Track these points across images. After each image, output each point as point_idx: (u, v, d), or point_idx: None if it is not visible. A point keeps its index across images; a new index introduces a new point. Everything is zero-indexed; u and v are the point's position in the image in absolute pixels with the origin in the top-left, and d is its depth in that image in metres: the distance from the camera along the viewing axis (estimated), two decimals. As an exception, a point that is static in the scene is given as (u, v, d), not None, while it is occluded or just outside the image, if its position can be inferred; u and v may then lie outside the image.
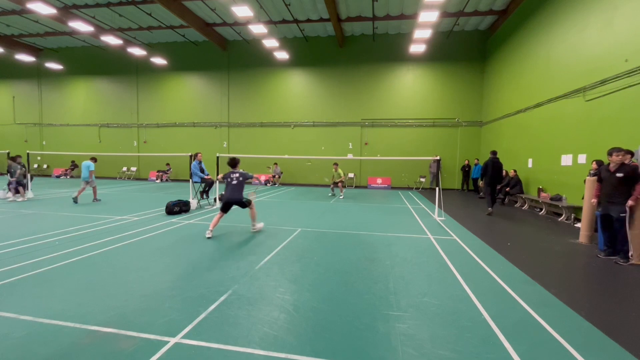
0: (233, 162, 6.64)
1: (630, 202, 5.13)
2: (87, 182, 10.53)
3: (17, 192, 10.66)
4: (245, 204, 6.58)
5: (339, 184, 13.44)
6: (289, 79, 19.26)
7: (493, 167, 9.64)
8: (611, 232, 5.43)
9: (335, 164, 13.57)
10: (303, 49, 18.77)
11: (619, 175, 5.25)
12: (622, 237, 5.28)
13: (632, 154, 5.83)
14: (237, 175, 6.50)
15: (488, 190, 9.79)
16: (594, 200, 5.81)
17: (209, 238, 6.09)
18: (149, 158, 21.10)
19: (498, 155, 9.97)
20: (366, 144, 18.61)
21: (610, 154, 5.44)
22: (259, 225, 6.87)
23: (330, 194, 14.24)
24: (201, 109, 20.34)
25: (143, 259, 4.89)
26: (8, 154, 12.78)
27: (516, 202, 12.11)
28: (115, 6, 15.40)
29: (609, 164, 5.57)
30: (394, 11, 15.37)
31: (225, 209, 6.41)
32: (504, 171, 12.31)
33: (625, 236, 5.23)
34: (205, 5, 15.36)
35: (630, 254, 5.21)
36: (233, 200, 6.44)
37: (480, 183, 10.89)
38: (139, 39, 19.70)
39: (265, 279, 4.17)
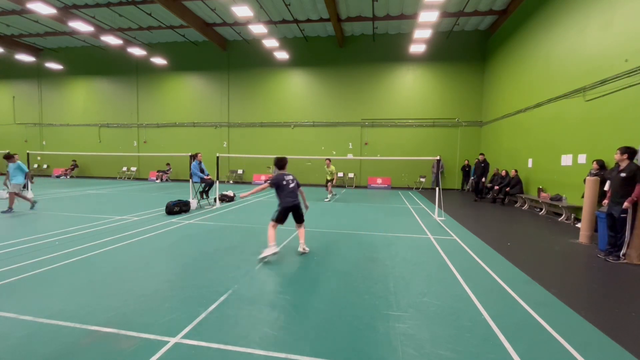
0: (282, 163, 5.26)
1: (625, 204, 5.11)
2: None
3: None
4: (302, 216, 5.33)
5: (329, 184, 12.34)
6: (289, 79, 19.25)
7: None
8: (614, 231, 5.39)
9: (328, 159, 12.43)
10: (303, 49, 18.76)
11: (622, 175, 5.23)
12: (622, 236, 5.28)
13: (635, 152, 5.75)
14: (292, 178, 5.24)
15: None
16: (606, 201, 5.74)
17: (275, 253, 5.00)
18: (149, 158, 21.09)
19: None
20: (366, 144, 18.60)
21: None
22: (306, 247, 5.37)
23: (328, 197, 12.58)
24: (201, 109, 20.33)
25: (143, 259, 4.89)
26: (7, 153, 12.73)
27: (516, 202, 12.11)
28: (115, 6, 15.39)
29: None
30: (394, 11, 15.36)
31: (283, 217, 5.13)
32: (503, 171, 12.51)
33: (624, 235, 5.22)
34: (205, 5, 15.35)
35: (622, 254, 5.23)
36: (295, 205, 5.17)
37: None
38: (139, 39, 19.70)
39: (265, 279, 4.17)
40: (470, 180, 13.48)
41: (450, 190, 17.57)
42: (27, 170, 8.84)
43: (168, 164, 20.56)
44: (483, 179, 13.19)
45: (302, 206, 5.34)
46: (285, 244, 5.83)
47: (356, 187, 18.49)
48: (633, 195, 5.07)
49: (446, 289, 3.92)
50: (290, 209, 5.15)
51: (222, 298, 3.53)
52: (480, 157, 13.42)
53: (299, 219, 5.33)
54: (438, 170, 9.79)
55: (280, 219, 5.10)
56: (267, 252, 4.85)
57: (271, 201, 11.78)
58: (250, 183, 19.61)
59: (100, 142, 21.79)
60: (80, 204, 10.19)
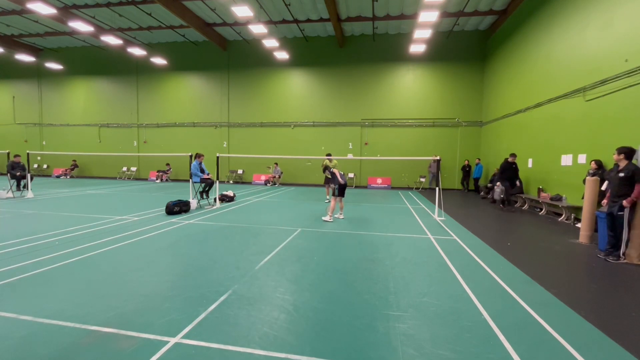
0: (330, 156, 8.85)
1: (624, 203, 5.12)
2: None
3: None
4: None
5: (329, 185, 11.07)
6: (289, 79, 19.26)
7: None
8: (614, 231, 5.40)
9: (329, 154, 11.15)
10: (303, 49, 18.77)
11: (621, 175, 5.27)
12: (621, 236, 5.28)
13: (633, 152, 5.74)
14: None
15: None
16: (605, 201, 5.76)
17: (331, 221, 7.88)
18: (149, 158, 21.09)
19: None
20: (366, 144, 18.60)
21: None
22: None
23: (327, 200, 11.60)
24: (201, 109, 20.34)
25: (143, 259, 4.89)
26: (8, 154, 12.77)
27: (516, 202, 12.11)
28: (115, 6, 15.40)
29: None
30: (394, 11, 15.36)
31: (342, 192, 8.09)
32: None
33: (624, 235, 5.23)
34: (205, 5, 15.36)
35: (622, 253, 5.24)
36: (346, 183, 8.24)
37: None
38: (139, 39, 19.70)
39: (265, 279, 4.17)
40: (497, 187, 11.21)
41: (450, 190, 17.57)
42: None
43: (168, 164, 20.56)
44: (517, 183, 11.17)
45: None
46: (285, 245, 5.83)
47: (356, 187, 18.49)
48: (633, 196, 5.07)
49: (446, 289, 3.92)
50: (345, 186, 8.08)
51: (222, 298, 3.52)
52: (511, 158, 10.72)
53: (344, 194, 8.31)
54: (438, 170, 9.78)
55: (339, 194, 8.06)
56: (327, 219, 7.94)
57: (271, 201, 11.78)
58: (250, 183, 19.61)
59: (100, 142, 21.79)
60: (80, 203, 10.19)
